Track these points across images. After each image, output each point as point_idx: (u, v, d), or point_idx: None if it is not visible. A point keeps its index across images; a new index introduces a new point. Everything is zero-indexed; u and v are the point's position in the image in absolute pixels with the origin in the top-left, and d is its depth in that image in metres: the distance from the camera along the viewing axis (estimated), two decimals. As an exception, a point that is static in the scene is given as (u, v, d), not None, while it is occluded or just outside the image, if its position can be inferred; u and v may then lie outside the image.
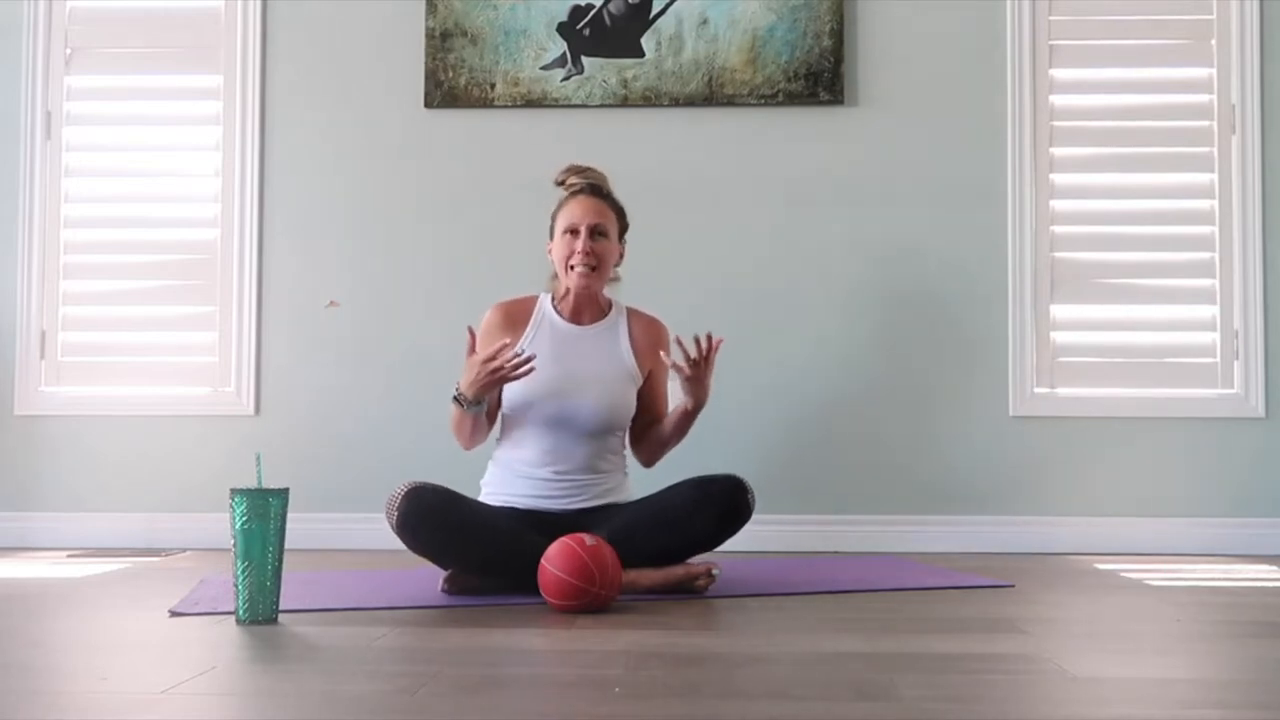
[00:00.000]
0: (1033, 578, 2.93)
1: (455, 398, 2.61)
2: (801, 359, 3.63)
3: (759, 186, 3.67)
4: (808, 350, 3.63)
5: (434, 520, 2.53)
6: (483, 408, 2.64)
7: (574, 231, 2.72)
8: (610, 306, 2.84)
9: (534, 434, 2.71)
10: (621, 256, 2.82)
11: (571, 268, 2.71)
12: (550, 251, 2.80)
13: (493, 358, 2.53)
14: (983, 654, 1.91)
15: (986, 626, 2.19)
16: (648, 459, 2.86)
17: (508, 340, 2.60)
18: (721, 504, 2.63)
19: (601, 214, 2.74)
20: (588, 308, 2.80)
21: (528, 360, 2.54)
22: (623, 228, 2.81)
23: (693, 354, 2.61)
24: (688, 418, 2.74)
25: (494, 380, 2.56)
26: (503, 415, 2.78)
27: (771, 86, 3.64)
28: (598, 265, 2.72)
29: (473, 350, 2.58)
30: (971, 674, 1.75)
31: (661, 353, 2.69)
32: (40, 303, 3.72)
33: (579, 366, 2.72)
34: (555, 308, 2.81)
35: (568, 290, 2.77)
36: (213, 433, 3.68)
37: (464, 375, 2.58)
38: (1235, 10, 3.61)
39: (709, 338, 2.62)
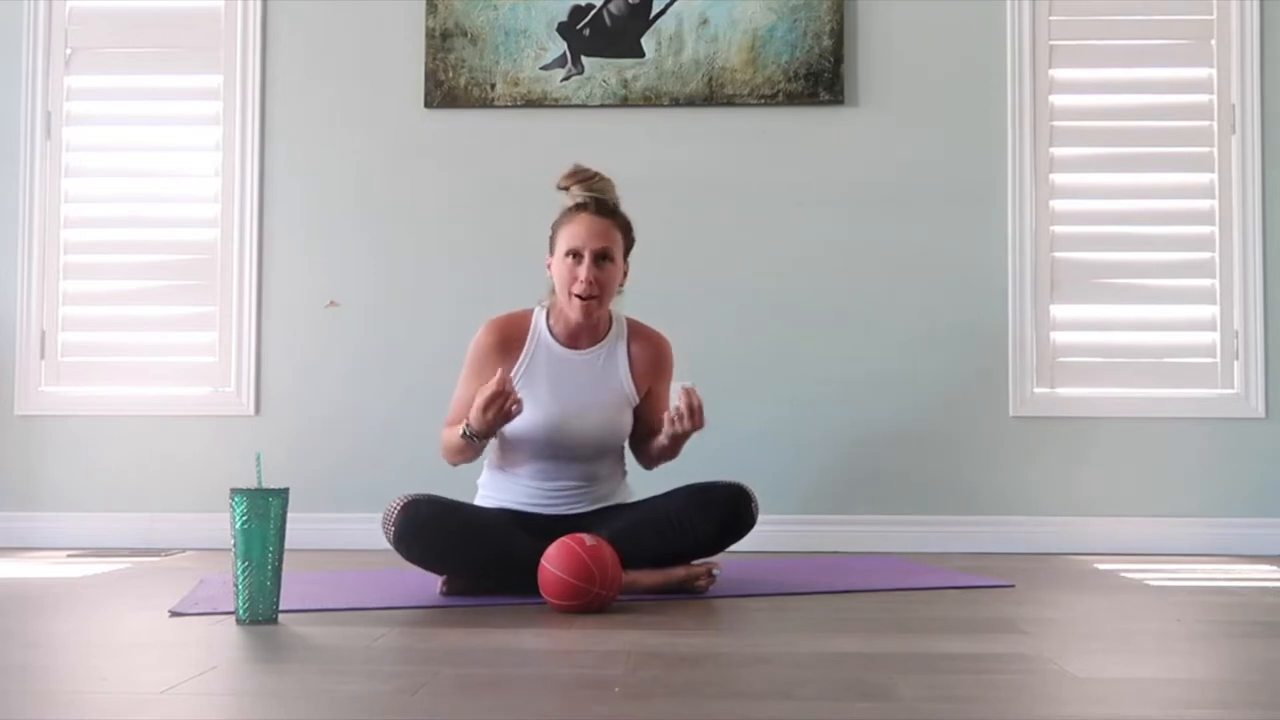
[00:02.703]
0: (1033, 578, 2.92)
1: (465, 433, 2.53)
2: (800, 359, 3.63)
3: (759, 186, 3.67)
4: (806, 350, 3.63)
5: (430, 532, 2.51)
6: (490, 439, 2.60)
7: (577, 255, 2.57)
8: (610, 324, 2.72)
9: (528, 455, 2.65)
10: (625, 274, 2.68)
11: (574, 295, 2.58)
12: (549, 267, 2.66)
13: (501, 392, 2.43)
14: (983, 654, 1.90)
15: (986, 626, 2.19)
16: (646, 466, 2.80)
17: (508, 373, 2.52)
18: (724, 512, 2.60)
19: (607, 237, 2.58)
20: (586, 331, 2.68)
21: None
22: (628, 245, 2.66)
23: (686, 421, 2.50)
24: (676, 442, 2.62)
25: (505, 416, 2.47)
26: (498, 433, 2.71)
27: (771, 86, 3.64)
28: (600, 294, 2.59)
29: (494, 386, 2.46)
30: (971, 674, 1.75)
31: (680, 385, 2.52)
32: (40, 303, 3.72)
33: (575, 395, 2.64)
34: (550, 328, 2.69)
35: (565, 314, 2.65)
36: (213, 433, 3.68)
37: (473, 411, 2.50)
38: (1235, 10, 3.61)
39: (690, 393, 2.49)
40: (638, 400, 2.73)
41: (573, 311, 2.61)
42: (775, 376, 3.63)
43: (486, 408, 2.46)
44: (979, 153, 3.65)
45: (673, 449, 2.65)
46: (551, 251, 2.66)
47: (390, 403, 3.66)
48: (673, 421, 2.52)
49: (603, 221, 2.60)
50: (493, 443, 2.70)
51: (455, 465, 2.72)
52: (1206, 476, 3.58)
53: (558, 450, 2.64)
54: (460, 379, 2.72)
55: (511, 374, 2.63)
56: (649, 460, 2.77)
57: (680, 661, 1.84)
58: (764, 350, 3.63)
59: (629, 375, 2.71)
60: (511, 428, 2.59)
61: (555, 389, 2.65)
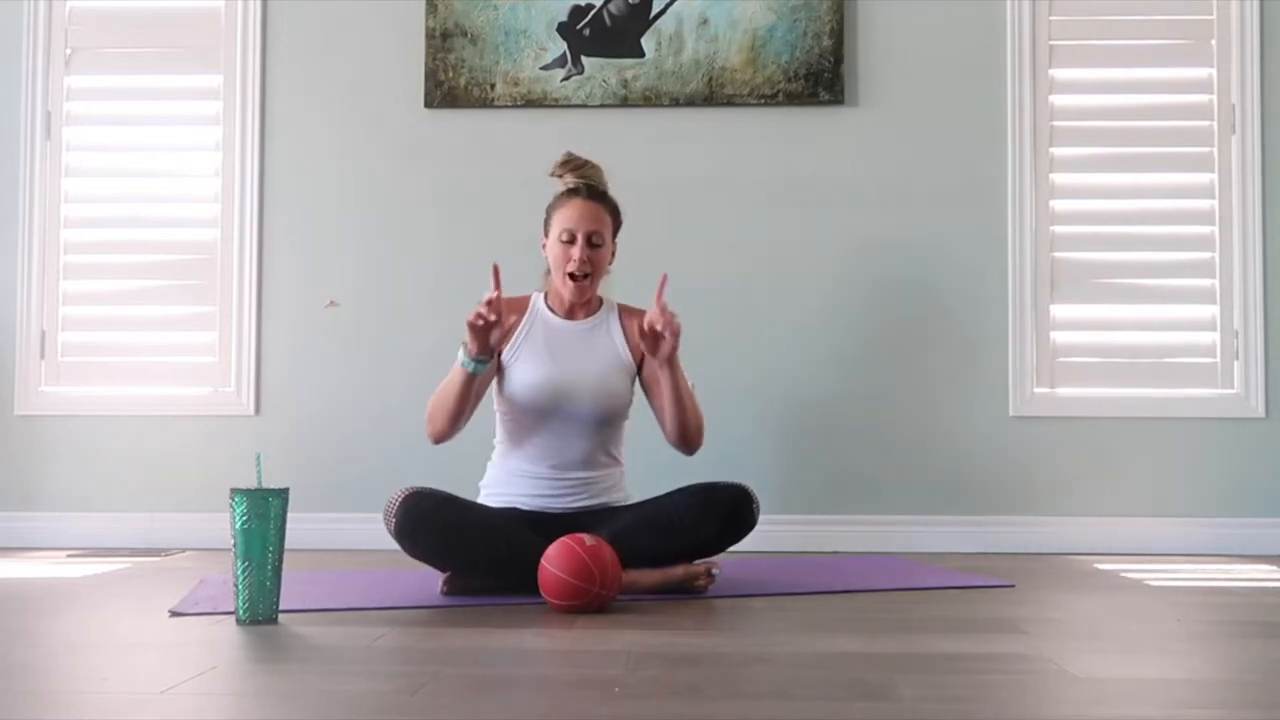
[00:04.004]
0: (1033, 578, 2.93)
1: (465, 363, 2.56)
2: (801, 359, 3.63)
3: (759, 186, 3.67)
4: (807, 350, 3.63)
5: (432, 525, 2.53)
6: (484, 368, 2.59)
7: (570, 237, 2.72)
8: (601, 303, 2.86)
9: (531, 430, 2.71)
10: (614, 255, 2.82)
11: (569, 275, 2.72)
12: (545, 248, 2.81)
13: (484, 307, 2.50)
14: (983, 654, 1.91)
15: (986, 626, 2.19)
16: (678, 438, 2.72)
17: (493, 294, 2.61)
18: (726, 512, 2.62)
19: (598, 220, 2.73)
20: (581, 305, 2.82)
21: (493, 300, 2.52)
22: (617, 226, 2.81)
23: (658, 320, 2.55)
24: (668, 375, 2.62)
25: (490, 326, 2.51)
26: (500, 417, 2.78)
27: (771, 86, 3.64)
28: (592, 272, 2.73)
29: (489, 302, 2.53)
30: (971, 674, 1.75)
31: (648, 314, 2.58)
32: (40, 303, 3.72)
33: (573, 359, 2.73)
34: (548, 305, 2.82)
35: (559, 292, 2.78)
36: (213, 433, 3.68)
37: (466, 339, 2.56)
38: (1235, 10, 3.61)
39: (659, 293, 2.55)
40: (634, 368, 2.79)
41: (566, 290, 2.75)
42: (775, 376, 3.63)
43: (473, 324, 2.51)
44: (979, 152, 3.65)
45: (672, 384, 2.63)
46: (546, 234, 2.80)
47: (390, 403, 3.66)
48: (648, 332, 2.54)
49: (594, 205, 2.74)
50: (497, 431, 2.77)
51: (444, 432, 2.68)
52: (1206, 476, 3.58)
53: (558, 414, 2.67)
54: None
55: (511, 342, 2.73)
56: (673, 425, 2.70)
57: (680, 661, 1.84)
58: (763, 349, 3.63)
59: (624, 342, 2.80)
60: (513, 388, 2.67)
61: (553, 351, 2.73)
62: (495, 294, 2.54)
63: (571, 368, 2.71)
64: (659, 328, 2.56)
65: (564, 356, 2.73)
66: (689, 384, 2.70)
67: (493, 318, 2.52)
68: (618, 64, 3.66)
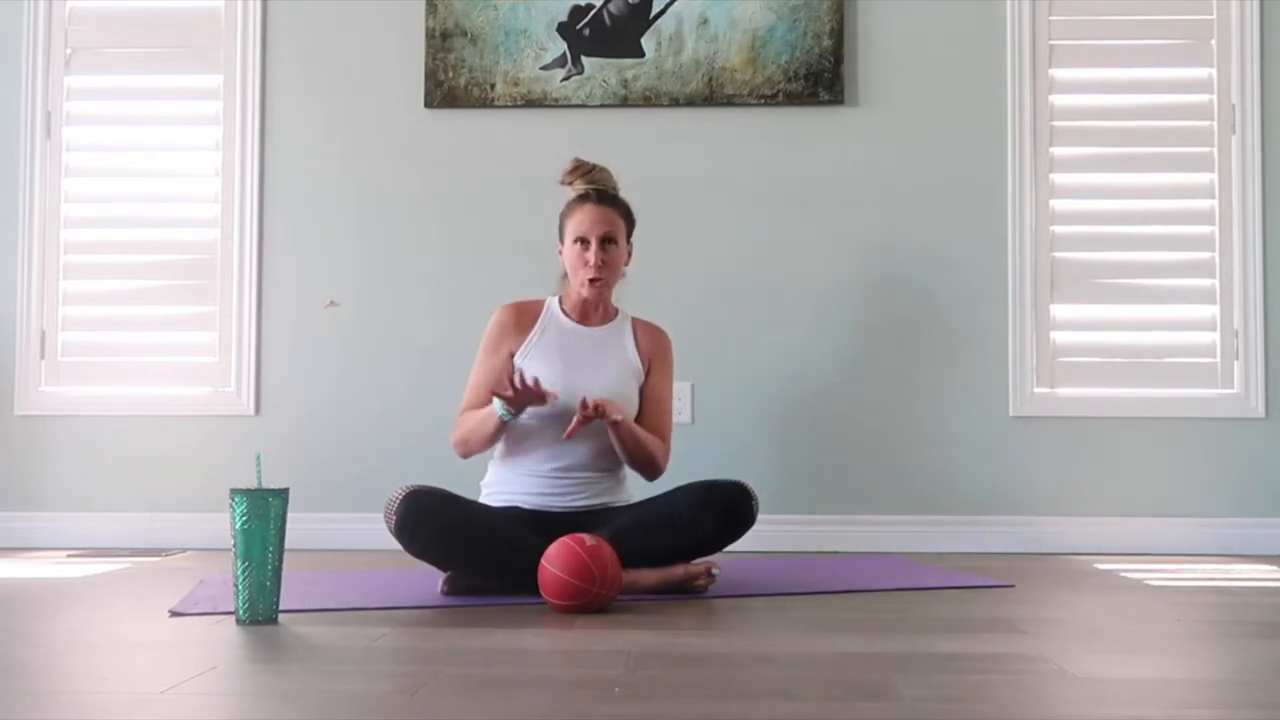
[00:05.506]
0: (1033, 578, 2.93)
1: (504, 416, 2.62)
2: (800, 359, 3.63)
3: (759, 186, 3.67)
4: (806, 350, 3.63)
5: (433, 523, 2.53)
6: (521, 415, 2.67)
7: (584, 242, 2.76)
8: (616, 313, 2.89)
9: (538, 430, 2.71)
10: (629, 255, 2.86)
11: (584, 278, 2.77)
12: (560, 253, 2.84)
13: (522, 384, 2.56)
14: (983, 654, 1.91)
15: (986, 626, 2.19)
16: (630, 464, 2.81)
17: (518, 347, 2.76)
18: (725, 510, 2.63)
19: (610, 222, 2.77)
20: (595, 310, 2.85)
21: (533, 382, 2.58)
22: (630, 227, 2.85)
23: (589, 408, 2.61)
24: (609, 429, 2.70)
25: (530, 396, 2.58)
26: None
27: (771, 86, 3.64)
28: (608, 274, 2.78)
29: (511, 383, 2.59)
30: (971, 674, 1.75)
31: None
32: (40, 303, 3.72)
33: (584, 363, 2.76)
34: (563, 310, 2.85)
35: (577, 294, 2.81)
36: (213, 433, 3.67)
37: (500, 403, 2.62)
38: (1235, 10, 3.61)
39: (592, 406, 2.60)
40: (643, 376, 2.83)
41: (583, 291, 2.79)
42: (774, 375, 3.63)
43: (503, 395, 2.60)
44: (979, 152, 3.65)
45: (614, 434, 2.69)
46: (561, 239, 2.84)
47: (390, 403, 3.66)
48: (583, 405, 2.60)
49: (605, 209, 2.79)
50: None
51: (474, 453, 2.76)
52: (1206, 476, 3.58)
53: (567, 412, 2.67)
54: (476, 361, 2.83)
55: (524, 345, 2.79)
56: (624, 457, 2.78)
57: (680, 661, 1.84)
58: (763, 349, 3.63)
59: (635, 350, 2.85)
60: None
61: (566, 355, 2.76)
62: (531, 387, 2.57)
63: (582, 371, 2.73)
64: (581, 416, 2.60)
65: (576, 360, 2.75)
66: (636, 429, 2.73)
67: (509, 393, 2.58)
68: (618, 64, 3.66)
